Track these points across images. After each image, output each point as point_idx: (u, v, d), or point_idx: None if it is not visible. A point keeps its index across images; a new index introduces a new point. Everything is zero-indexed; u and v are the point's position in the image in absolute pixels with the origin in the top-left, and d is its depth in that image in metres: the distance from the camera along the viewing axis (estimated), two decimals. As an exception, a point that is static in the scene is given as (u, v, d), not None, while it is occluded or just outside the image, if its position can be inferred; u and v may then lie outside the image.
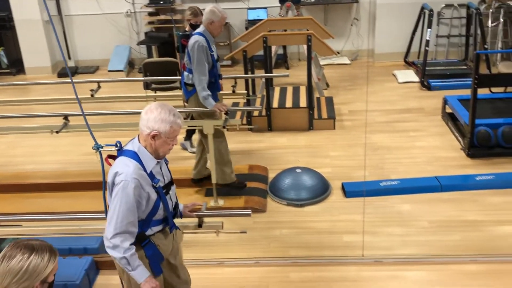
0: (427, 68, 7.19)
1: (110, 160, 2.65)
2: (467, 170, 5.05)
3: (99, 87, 5.27)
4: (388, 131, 5.96)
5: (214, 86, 4.50)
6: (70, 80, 2.87)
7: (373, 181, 4.94)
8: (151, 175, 2.56)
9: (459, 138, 5.55)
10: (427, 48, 7.24)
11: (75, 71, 8.68)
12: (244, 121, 5.88)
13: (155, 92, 6.07)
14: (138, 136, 2.61)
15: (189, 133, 5.73)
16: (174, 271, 2.91)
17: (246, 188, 4.83)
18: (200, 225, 3.05)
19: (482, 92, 5.73)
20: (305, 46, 6.31)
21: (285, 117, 6.12)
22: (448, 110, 6.01)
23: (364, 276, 3.85)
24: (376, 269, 3.91)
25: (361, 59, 8.53)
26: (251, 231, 4.27)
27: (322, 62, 7.65)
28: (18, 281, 1.78)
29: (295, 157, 5.51)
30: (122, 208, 2.47)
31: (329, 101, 6.56)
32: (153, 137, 2.51)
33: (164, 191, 2.63)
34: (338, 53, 8.28)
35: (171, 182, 2.72)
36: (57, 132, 4.44)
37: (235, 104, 6.08)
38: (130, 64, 8.69)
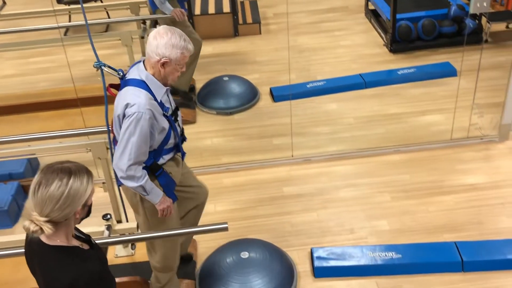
0: (350, -35, 7.07)
1: (113, 90, 2.49)
2: (389, 65, 5.17)
3: (4, 3, 4.86)
4: (313, 32, 5.94)
5: None
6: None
7: (300, 84, 4.98)
8: (161, 104, 2.43)
9: (382, 34, 5.62)
10: None
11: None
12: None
13: (69, 5, 5.67)
14: (143, 62, 2.43)
15: None
16: (186, 182, 2.84)
17: None
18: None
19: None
20: None
21: (209, 24, 5.94)
22: (371, 7, 6.03)
23: (294, 175, 3.98)
24: (306, 167, 4.05)
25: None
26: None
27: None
28: (61, 207, 1.66)
29: (222, 65, 5.42)
30: (136, 139, 2.35)
31: (254, 4, 6.40)
32: (163, 64, 2.35)
33: (172, 118, 2.52)
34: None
35: (177, 108, 2.61)
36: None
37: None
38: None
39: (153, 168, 2.52)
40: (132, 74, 2.43)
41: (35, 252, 1.76)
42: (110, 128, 2.67)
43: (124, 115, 2.36)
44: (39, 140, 3.19)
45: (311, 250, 3.30)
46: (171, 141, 2.55)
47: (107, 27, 6.02)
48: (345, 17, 6.22)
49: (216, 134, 4.48)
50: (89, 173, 1.74)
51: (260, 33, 6.02)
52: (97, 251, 1.87)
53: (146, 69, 2.41)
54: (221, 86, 4.86)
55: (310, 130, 4.42)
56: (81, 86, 4.68)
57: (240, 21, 6.00)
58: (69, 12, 5.47)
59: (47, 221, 1.65)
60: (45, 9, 4.78)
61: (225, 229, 2.33)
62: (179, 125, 2.61)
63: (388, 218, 3.53)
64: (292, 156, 4.13)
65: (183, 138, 2.68)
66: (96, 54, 2.73)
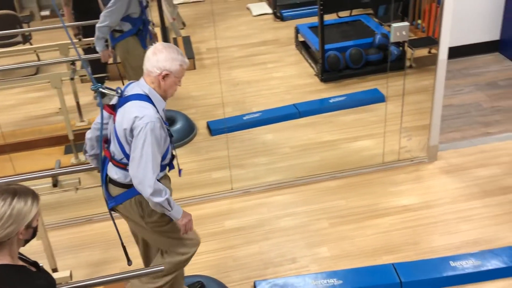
0: (278, -2, 7.29)
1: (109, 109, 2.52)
2: (321, 94, 5.33)
3: None
4: (246, 65, 6.04)
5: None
6: None
7: (236, 116, 5.04)
8: (161, 118, 2.48)
9: (312, 65, 5.79)
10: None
11: None
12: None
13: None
14: (143, 78, 2.52)
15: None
16: None
17: None
18: (55, 185, 2.92)
19: (330, 17, 5.99)
20: (153, -14, 6.06)
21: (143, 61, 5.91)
22: (301, 38, 6.22)
23: (235, 208, 3.99)
24: (246, 199, 4.07)
25: (216, -5, 8.43)
26: (118, 183, 4.18)
27: (176, 1, 7.44)
28: (3, 226, 1.70)
29: (157, 101, 5.40)
30: (153, 149, 2.39)
31: (187, 40, 6.45)
32: (164, 77, 2.45)
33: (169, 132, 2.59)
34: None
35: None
36: None
37: (87, 52, 5.74)
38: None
39: None
40: (133, 90, 2.50)
41: None
42: (102, 146, 2.64)
43: (133, 129, 2.39)
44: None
45: (254, 283, 3.30)
46: (168, 156, 2.61)
47: (37, 70, 5.88)
48: (277, 50, 6.37)
49: (154, 171, 4.43)
50: (35, 196, 1.77)
51: (195, 68, 6.06)
52: (45, 274, 1.88)
53: (147, 84, 2.49)
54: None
55: (249, 162, 4.47)
56: (10, 132, 4.54)
57: (174, 57, 6.02)
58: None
59: None
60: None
61: (161, 270, 2.30)
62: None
63: (328, 245, 3.59)
64: (232, 188, 4.15)
65: (173, 156, 2.73)
66: (92, 79, 2.72)
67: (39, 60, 5.71)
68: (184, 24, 7.25)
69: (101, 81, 5.23)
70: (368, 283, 3.23)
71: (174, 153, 2.71)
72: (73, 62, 4.19)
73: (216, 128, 4.88)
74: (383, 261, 3.42)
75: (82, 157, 4.45)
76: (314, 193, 4.06)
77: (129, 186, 2.54)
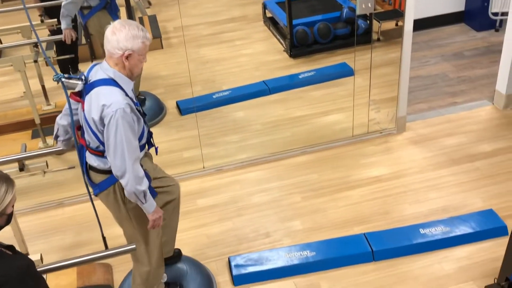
0: (245, -25, 7.22)
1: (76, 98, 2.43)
2: (291, 70, 5.33)
3: None
4: (214, 43, 5.99)
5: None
6: None
7: (206, 95, 5.01)
8: (131, 99, 2.39)
9: (281, 41, 5.77)
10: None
11: None
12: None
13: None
14: (105, 61, 2.40)
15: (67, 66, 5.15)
16: (157, 174, 2.81)
17: None
18: (21, 169, 2.86)
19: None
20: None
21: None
22: (269, 14, 6.18)
23: (207, 186, 3.99)
24: (218, 178, 4.07)
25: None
26: (88, 166, 4.13)
27: (140, -20, 7.29)
28: None
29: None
30: (127, 136, 2.31)
31: (153, 19, 6.35)
32: (127, 57, 2.34)
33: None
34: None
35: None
36: None
37: (54, 34, 5.60)
38: None
39: None
40: (97, 75, 2.40)
41: None
42: (76, 135, 2.58)
43: (102, 117, 2.31)
44: None
45: (228, 259, 3.32)
46: (145, 135, 2.54)
47: (0, 54, 5.72)
48: (245, 26, 6.32)
49: (125, 153, 4.39)
50: (8, 182, 1.73)
51: (162, 47, 5.98)
52: (22, 255, 1.87)
53: (111, 67, 2.38)
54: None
55: (220, 140, 4.46)
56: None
57: (141, 37, 5.93)
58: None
59: None
60: None
61: (134, 249, 2.29)
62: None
63: (301, 218, 3.63)
64: (204, 167, 4.14)
65: (151, 133, 2.68)
66: (53, 68, 2.60)
67: (0, 43, 5.56)
68: (149, 3, 7.13)
69: (73, 64, 5.12)
70: (340, 253, 3.29)
71: (149, 130, 2.65)
72: (36, 45, 4.08)
73: (186, 108, 4.84)
74: (355, 232, 3.48)
75: (50, 141, 4.37)
76: (286, 169, 4.09)
77: (111, 172, 2.48)
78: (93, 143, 2.45)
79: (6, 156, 2.97)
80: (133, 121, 2.36)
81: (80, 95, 2.45)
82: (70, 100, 2.45)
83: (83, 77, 2.43)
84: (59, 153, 3.85)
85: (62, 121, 2.61)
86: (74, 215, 3.77)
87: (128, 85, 2.43)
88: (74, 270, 3.13)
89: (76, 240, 3.59)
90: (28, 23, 4.52)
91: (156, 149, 2.75)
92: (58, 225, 3.71)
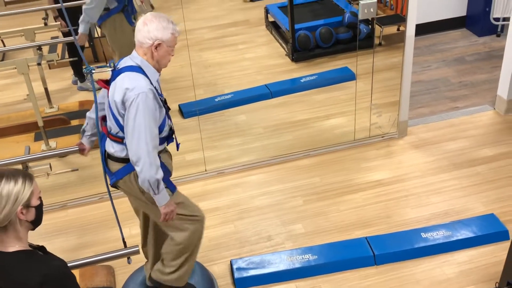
0: (247, -21, 7.25)
1: (103, 83, 2.49)
2: (293, 74, 5.35)
3: None
4: (217, 47, 6.01)
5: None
6: None
7: (208, 98, 5.02)
8: (156, 90, 2.42)
9: (283, 45, 5.80)
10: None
11: None
12: (67, 56, 5.50)
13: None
14: (135, 50, 2.47)
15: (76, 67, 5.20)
16: None
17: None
18: (25, 171, 2.87)
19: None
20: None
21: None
22: (271, 19, 6.20)
23: (209, 189, 4.01)
24: (220, 180, 4.08)
25: (184, -23, 8.33)
26: (91, 168, 4.14)
27: (143, -16, 7.32)
28: None
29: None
30: (146, 121, 2.32)
31: (156, 23, 6.37)
32: (156, 47, 2.41)
33: (166, 105, 2.53)
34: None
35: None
36: None
37: (55, 38, 5.63)
38: None
39: None
40: (126, 63, 2.46)
41: None
42: (99, 122, 2.62)
43: (124, 101, 2.35)
44: None
45: (230, 262, 3.33)
46: (166, 129, 2.55)
47: (3, 57, 5.75)
48: (247, 31, 6.35)
49: (127, 156, 4.41)
50: (26, 175, 1.75)
51: (165, 51, 6.00)
52: (54, 256, 1.88)
53: (139, 56, 2.44)
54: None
55: (222, 143, 4.47)
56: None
57: (143, 40, 5.95)
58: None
59: None
60: None
61: (137, 252, 2.30)
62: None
63: (303, 221, 3.64)
64: (206, 170, 4.16)
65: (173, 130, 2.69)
66: (84, 59, 2.71)
67: (4, 46, 5.59)
68: (152, 6, 7.14)
69: (78, 65, 5.16)
70: (342, 257, 3.30)
71: (172, 126, 2.65)
72: (39, 47, 4.10)
73: (188, 111, 4.86)
74: (357, 235, 3.49)
75: (53, 143, 4.39)
76: (288, 172, 4.10)
77: (128, 161, 2.50)
78: (114, 128, 2.49)
79: (10, 158, 2.99)
80: (154, 108, 2.38)
81: (108, 83, 2.51)
82: (97, 86, 2.53)
83: (112, 64, 2.50)
84: (62, 155, 3.86)
85: (91, 114, 2.67)
86: (78, 217, 3.78)
87: (154, 75, 2.47)
88: (77, 272, 3.14)
89: (79, 242, 3.60)
90: (31, 26, 4.59)
91: (177, 145, 2.76)
92: (61, 227, 3.72)
